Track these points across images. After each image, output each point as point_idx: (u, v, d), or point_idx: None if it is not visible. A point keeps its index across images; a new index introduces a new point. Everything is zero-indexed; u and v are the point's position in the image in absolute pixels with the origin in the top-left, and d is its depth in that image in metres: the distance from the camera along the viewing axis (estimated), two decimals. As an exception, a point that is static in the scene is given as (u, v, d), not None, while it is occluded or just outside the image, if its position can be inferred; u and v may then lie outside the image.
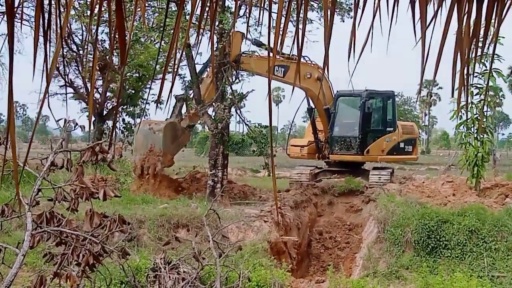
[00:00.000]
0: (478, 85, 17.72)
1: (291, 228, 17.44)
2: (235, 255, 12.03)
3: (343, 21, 20.51)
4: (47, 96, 2.07)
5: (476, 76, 17.42)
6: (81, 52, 29.25)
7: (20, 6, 2.18)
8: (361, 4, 2.23)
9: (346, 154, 24.98)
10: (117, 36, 2.06)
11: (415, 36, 2.23)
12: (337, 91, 25.84)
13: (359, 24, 2.27)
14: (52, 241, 8.09)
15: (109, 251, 8.72)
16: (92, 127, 29.52)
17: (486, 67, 17.21)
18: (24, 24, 22.88)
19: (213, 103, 19.42)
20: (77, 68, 29.25)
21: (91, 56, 28.79)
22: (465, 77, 2.33)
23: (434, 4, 2.23)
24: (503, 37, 16.72)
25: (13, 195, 8.75)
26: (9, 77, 1.93)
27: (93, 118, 29.80)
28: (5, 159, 6.34)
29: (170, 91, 2.29)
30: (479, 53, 2.39)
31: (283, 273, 12.05)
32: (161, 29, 20.64)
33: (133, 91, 28.86)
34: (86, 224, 8.19)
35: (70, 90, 29.85)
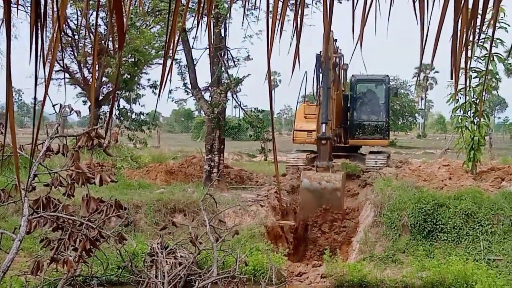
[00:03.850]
0: (476, 69, 17.69)
1: (287, 213, 17.46)
2: (232, 240, 12.06)
3: (340, 2, 20.36)
4: (47, 84, 2.06)
5: (475, 60, 17.41)
6: (76, 37, 29.13)
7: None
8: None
9: (370, 138, 25.18)
10: (114, 19, 2.05)
11: (417, 18, 2.21)
12: (353, 75, 25.88)
13: (365, 7, 2.25)
14: (48, 227, 8.10)
15: (106, 236, 8.74)
16: (88, 112, 29.46)
17: (486, 50, 17.16)
18: (19, 10, 22.79)
19: (209, 88, 19.40)
20: (72, 53, 29.13)
21: (87, 41, 28.72)
22: (464, 60, 2.31)
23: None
24: (508, 25, 16.71)
25: (9, 180, 8.75)
26: (7, 63, 1.92)
27: (88, 103, 29.74)
28: (3, 145, 6.32)
29: (167, 76, 2.27)
30: (477, 36, 2.37)
31: (280, 257, 12.11)
32: (157, 13, 20.58)
33: (128, 76, 28.76)
34: (83, 209, 8.20)
35: (65, 74, 29.76)
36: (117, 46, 2.11)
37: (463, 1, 2.18)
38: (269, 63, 2.18)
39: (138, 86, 29.95)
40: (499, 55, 17.91)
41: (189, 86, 19.79)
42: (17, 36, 30.05)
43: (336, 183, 15.91)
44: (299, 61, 2.25)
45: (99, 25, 26.82)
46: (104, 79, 28.34)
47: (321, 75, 19.40)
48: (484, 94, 19.14)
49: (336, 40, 21.62)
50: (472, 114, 17.92)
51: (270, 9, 2.24)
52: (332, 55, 19.40)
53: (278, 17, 2.18)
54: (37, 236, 10.76)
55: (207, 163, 19.52)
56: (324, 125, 17.44)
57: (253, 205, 15.52)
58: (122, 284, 11.17)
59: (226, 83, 19.19)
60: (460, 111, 18.18)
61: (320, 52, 21.18)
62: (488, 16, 2.40)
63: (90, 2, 15.32)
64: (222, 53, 18.96)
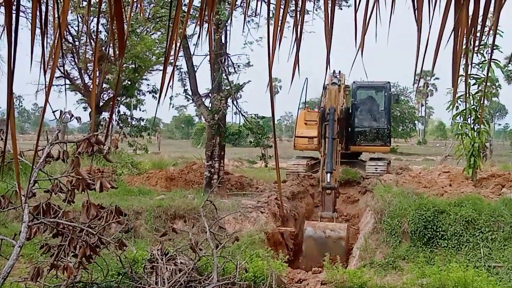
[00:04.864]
0: (476, 76, 17.70)
1: (288, 219, 17.46)
2: (232, 246, 12.03)
3: (341, 9, 20.36)
4: (48, 92, 2.07)
5: (474, 67, 17.43)
6: (77, 43, 29.18)
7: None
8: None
9: (371, 145, 25.22)
10: (115, 26, 2.05)
11: (417, 26, 2.22)
12: (354, 82, 25.95)
13: (367, 14, 2.26)
14: (49, 233, 8.09)
15: (106, 243, 8.73)
16: (88, 119, 29.49)
17: (484, 57, 17.20)
18: (20, 16, 22.82)
19: (210, 94, 19.41)
20: (73, 59, 29.18)
21: (87, 48, 28.75)
22: (464, 67, 2.32)
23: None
24: (502, 32, 16.72)
25: (9, 186, 8.75)
26: (8, 70, 1.92)
27: (88, 110, 29.78)
28: (4, 151, 6.33)
29: (168, 83, 2.28)
30: (477, 43, 2.38)
31: (280, 263, 12.06)
32: (157, 19, 20.61)
33: (129, 82, 28.81)
34: (83, 216, 8.19)
35: (66, 81, 29.80)
36: (117, 52, 2.11)
37: (463, 9, 2.19)
38: (270, 69, 2.18)
39: (138, 92, 30.00)
40: (496, 61, 17.95)
41: (190, 93, 19.81)
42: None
43: (340, 232, 15.49)
44: (299, 68, 2.25)
45: (100, 31, 26.88)
46: (104, 85, 28.38)
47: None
48: (483, 100, 19.15)
49: (336, 72, 21.70)
50: (472, 121, 17.93)
51: (271, 15, 2.25)
52: (337, 106, 19.21)
53: (278, 24, 2.19)
54: (37, 242, 10.74)
55: (207, 170, 19.52)
56: (328, 174, 16.93)
57: (254, 211, 15.51)
58: (122, 291, 11.14)
59: (227, 90, 19.21)
60: (460, 117, 18.20)
61: (322, 100, 21.20)
62: (487, 23, 2.40)
63: (91, 8, 15.37)
64: (223, 60, 18.98)
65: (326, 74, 2.23)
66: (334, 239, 15.31)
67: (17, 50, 1.88)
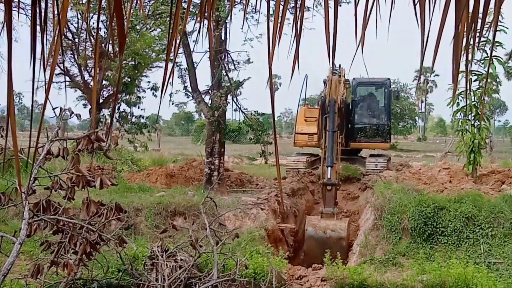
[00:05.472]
0: (477, 72, 17.69)
1: (288, 216, 17.45)
2: (232, 243, 12.03)
3: (340, 5, 20.25)
4: (48, 89, 2.07)
5: (476, 63, 17.41)
6: (76, 40, 29.12)
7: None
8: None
9: (372, 142, 25.21)
10: (114, 22, 2.05)
11: (418, 22, 2.21)
12: (354, 78, 25.94)
13: (367, 9, 2.26)
14: (49, 230, 8.09)
15: (106, 239, 8.73)
16: (88, 116, 29.46)
17: (486, 54, 17.17)
18: (20, 13, 22.84)
19: (210, 91, 19.39)
20: (72, 56, 29.11)
21: (87, 44, 28.69)
22: (465, 63, 2.32)
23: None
24: (507, 28, 16.71)
25: (9, 183, 8.75)
26: (8, 66, 1.92)
27: (88, 106, 29.73)
28: (5, 148, 6.33)
29: (168, 79, 2.28)
30: (477, 39, 2.37)
31: (280, 260, 12.07)
32: (157, 16, 20.59)
33: (129, 79, 28.78)
34: (83, 213, 8.18)
35: (65, 78, 29.75)
36: (117, 49, 2.11)
37: (463, 5, 2.18)
38: (270, 66, 2.18)
39: (138, 89, 29.97)
40: (498, 57, 17.92)
41: (190, 89, 19.79)
42: (17, 39, 30.07)
43: (341, 232, 15.28)
44: (298, 65, 2.25)
45: (100, 28, 26.82)
46: (104, 82, 28.34)
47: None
48: (484, 97, 19.14)
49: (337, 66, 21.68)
50: (472, 117, 17.91)
51: (271, 12, 2.25)
52: (338, 97, 19.10)
53: (278, 21, 2.19)
54: (37, 239, 10.76)
55: (207, 166, 19.50)
56: (329, 168, 16.54)
57: (254, 208, 15.50)
58: (122, 287, 11.14)
59: (227, 86, 19.18)
60: (460, 114, 18.18)
61: (323, 93, 21.02)
62: (488, 19, 2.40)
63: (91, 5, 15.35)
64: (223, 56, 18.96)
65: (331, 63, 2.23)
66: (334, 239, 15.22)
67: (16, 46, 1.88)
